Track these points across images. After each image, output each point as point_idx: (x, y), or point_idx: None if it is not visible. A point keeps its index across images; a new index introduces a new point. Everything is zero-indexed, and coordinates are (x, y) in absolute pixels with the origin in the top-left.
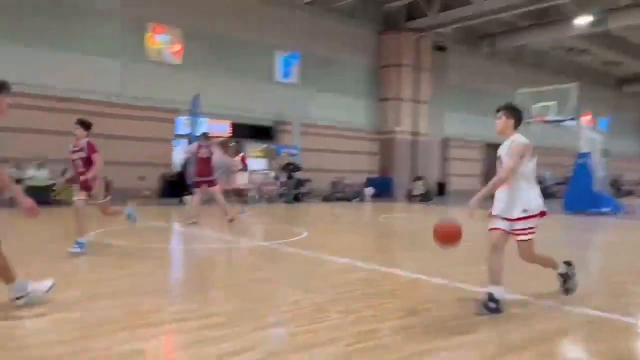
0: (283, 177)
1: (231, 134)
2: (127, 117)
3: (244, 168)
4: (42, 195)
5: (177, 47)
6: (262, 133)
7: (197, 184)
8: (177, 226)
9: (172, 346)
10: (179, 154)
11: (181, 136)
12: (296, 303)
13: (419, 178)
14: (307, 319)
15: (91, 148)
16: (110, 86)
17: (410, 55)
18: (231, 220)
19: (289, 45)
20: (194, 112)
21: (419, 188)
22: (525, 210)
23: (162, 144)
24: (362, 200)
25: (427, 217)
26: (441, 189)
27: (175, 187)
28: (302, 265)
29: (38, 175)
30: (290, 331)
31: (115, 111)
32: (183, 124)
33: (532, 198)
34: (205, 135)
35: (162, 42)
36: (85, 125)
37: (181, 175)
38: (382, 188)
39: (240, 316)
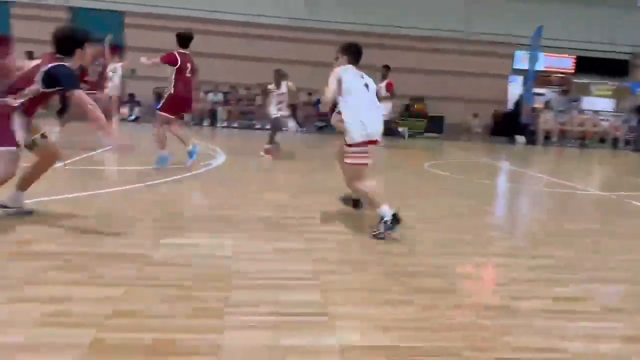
0: (633, 121)
1: (574, 71)
2: (467, 53)
3: (390, 95)
4: None
5: None
6: (614, 69)
7: None
8: (504, 164)
9: (504, 278)
10: (515, 90)
11: (518, 72)
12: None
13: None
14: None
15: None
16: (454, 22)
17: None
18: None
19: None
20: (535, 46)
21: None
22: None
23: (498, 80)
24: None
25: None
26: None
27: (506, 126)
28: None
29: None
30: (629, 290)
31: (457, 47)
32: (521, 59)
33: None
34: None
35: None
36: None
37: (513, 114)
38: None
39: (574, 264)
